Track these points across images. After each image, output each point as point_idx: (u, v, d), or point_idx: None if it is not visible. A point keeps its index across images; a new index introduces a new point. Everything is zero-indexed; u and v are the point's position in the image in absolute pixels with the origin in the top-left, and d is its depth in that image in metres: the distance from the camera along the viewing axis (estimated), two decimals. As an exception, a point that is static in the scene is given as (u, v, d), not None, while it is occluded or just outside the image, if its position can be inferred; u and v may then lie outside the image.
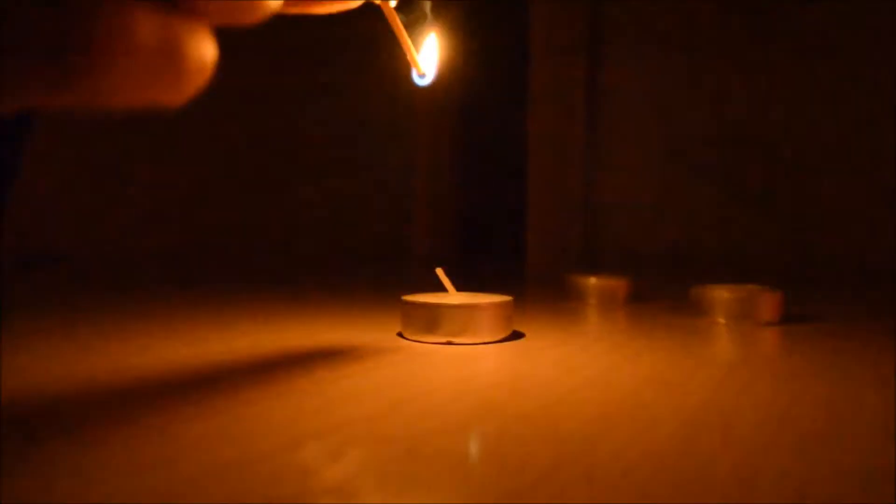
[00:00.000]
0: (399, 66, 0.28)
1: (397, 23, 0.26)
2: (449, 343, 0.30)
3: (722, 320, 0.38)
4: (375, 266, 0.73)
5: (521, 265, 0.74)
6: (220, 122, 0.78)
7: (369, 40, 0.80)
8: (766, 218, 0.69)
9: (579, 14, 0.73)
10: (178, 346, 0.30)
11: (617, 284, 0.46)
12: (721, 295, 0.38)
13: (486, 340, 0.31)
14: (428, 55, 0.28)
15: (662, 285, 0.55)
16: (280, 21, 0.18)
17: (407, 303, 0.32)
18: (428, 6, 0.27)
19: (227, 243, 0.81)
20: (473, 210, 0.82)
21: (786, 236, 0.68)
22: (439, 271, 0.34)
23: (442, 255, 0.79)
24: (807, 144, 0.68)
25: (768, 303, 0.38)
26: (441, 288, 0.34)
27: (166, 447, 0.17)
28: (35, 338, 0.31)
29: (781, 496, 0.15)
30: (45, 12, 0.14)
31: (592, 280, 0.46)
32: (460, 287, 0.34)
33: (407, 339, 0.32)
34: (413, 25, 0.26)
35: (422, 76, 0.28)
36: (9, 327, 0.33)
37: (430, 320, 0.31)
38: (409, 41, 0.27)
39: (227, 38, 0.17)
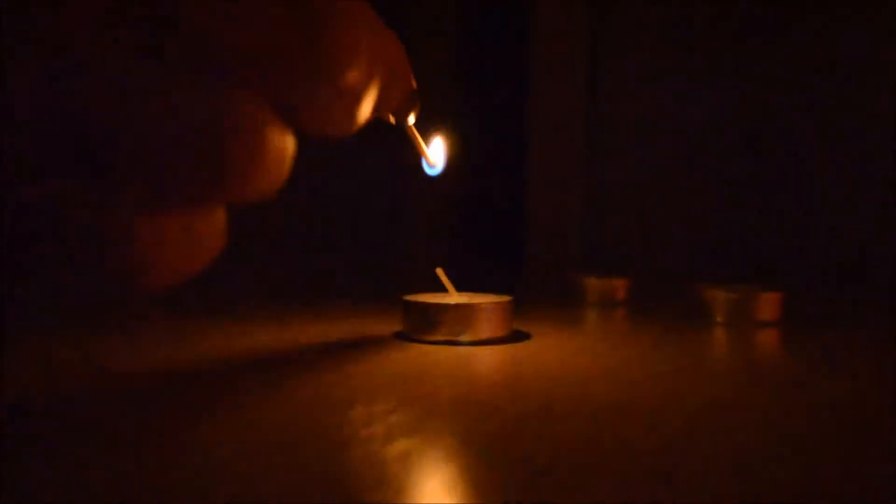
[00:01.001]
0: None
1: (415, 133, 0.28)
2: (449, 343, 0.30)
3: (721, 320, 0.38)
4: (374, 266, 0.73)
5: (521, 265, 0.74)
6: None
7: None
8: (766, 217, 0.69)
9: (580, 17, 0.73)
10: (177, 346, 0.30)
11: (617, 284, 0.46)
12: (720, 295, 0.38)
13: (486, 340, 0.31)
14: (437, 149, 0.30)
15: (662, 285, 0.55)
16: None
17: (407, 302, 0.32)
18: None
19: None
20: (473, 210, 0.82)
21: (786, 236, 0.68)
22: (439, 271, 0.34)
23: (442, 255, 0.79)
24: (807, 144, 0.68)
25: (768, 303, 0.38)
26: (441, 288, 0.34)
27: (165, 448, 0.17)
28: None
29: (781, 496, 0.15)
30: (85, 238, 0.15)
31: (592, 280, 0.46)
32: (460, 287, 0.34)
33: (406, 338, 0.32)
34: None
35: (432, 167, 0.31)
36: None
37: (431, 320, 0.31)
38: (423, 144, 0.29)
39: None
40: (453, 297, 0.33)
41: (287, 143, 0.17)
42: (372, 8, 0.20)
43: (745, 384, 0.26)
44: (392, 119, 0.26)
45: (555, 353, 0.30)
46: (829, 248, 0.66)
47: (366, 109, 0.19)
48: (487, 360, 0.28)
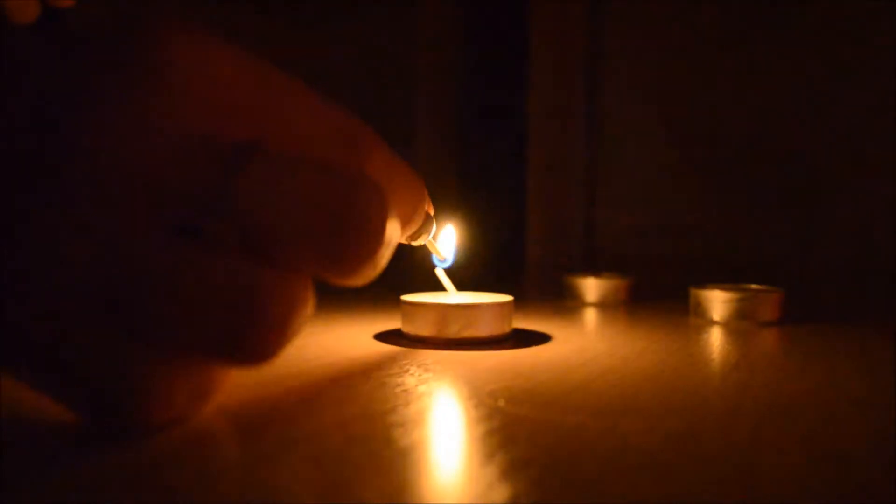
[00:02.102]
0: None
1: (431, 243, 0.30)
2: (448, 342, 0.30)
3: (721, 320, 0.38)
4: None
5: (521, 265, 0.74)
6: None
7: (370, 41, 0.80)
8: (766, 218, 0.69)
9: (579, 15, 0.73)
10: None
11: (617, 284, 0.46)
12: (721, 295, 0.38)
13: (485, 340, 0.31)
14: (447, 242, 0.32)
15: (662, 285, 0.55)
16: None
17: (406, 302, 0.32)
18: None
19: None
20: (473, 209, 0.82)
21: (787, 237, 0.68)
22: (439, 271, 0.34)
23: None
24: (807, 143, 0.68)
25: (768, 303, 0.38)
26: (440, 288, 0.34)
27: (161, 448, 0.17)
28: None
29: (781, 495, 0.15)
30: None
31: (592, 280, 0.46)
32: (460, 287, 0.34)
33: (405, 338, 0.32)
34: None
35: (443, 261, 0.32)
36: None
37: (430, 320, 0.31)
38: (434, 246, 0.31)
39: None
40: (453, 297, 0.33)
41: (308, 308, 0.18)
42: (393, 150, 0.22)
43: (744, 384, 0.26)
44: (408, 242, 0.28)
45: (554, 352, 0.30)
46: (829, 248, 0.66)
47: (387, 259, 0.19)
48: (487, 359, 0.28)
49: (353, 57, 0.78)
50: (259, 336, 0.16)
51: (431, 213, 0.27)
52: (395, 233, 0.19)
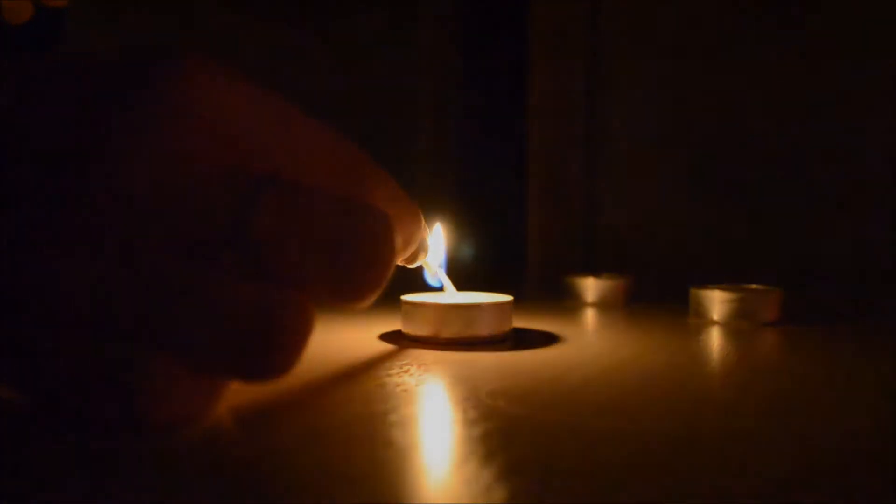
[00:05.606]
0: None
1: (427, 264, 0.32)
2: (448, 342, 0.30)
3: (721, 320, 0.38)
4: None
5: (521, 265, 0.74)
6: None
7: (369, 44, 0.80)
8: (767, 218, 0.69)
9: (580, 14, 0.73)
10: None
11: (617, 284, 0.46)
12: (720, 295, 0.38)
13: (485, 340, 0.31)
14: (439, 264, 0.33)
15: (662, 286, 0.55)
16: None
17: (406, 302, 0.32)
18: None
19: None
20: (473, 208, 0.82)
21: (785, 236, 0.68)
22: (440, 270, 0.34)
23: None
24: (806, 144, 0.68)
25: (768, 303, 0.38)
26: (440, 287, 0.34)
27: (166, 450, 0.17)
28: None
29: (781, 495, 0.15)
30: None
31: (592, 280, 0.46)
32: (460, 287, 0.34)
33: (405, 338, 0.32)
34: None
35: (434, 279, 0.33)
36: None
37: (430, 320, 0.31)
38: (428, 265, 0.32)
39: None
40: (453, 297, 0.33)
41: (313, 326, 0.18)
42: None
43: (744, 384, 0.26)
44: (404, 264, 0.29)
45: (554, 352, 0.30)
46: (829, 248, 0.66)
47: (388, 282, 0.20)
48: (487, 359, 0.28)
49: (353, 56, 0.78)
50: (274, 355, 0.17)
51: (427, 238, 0.28)
52: (398, 258, 0.20)
